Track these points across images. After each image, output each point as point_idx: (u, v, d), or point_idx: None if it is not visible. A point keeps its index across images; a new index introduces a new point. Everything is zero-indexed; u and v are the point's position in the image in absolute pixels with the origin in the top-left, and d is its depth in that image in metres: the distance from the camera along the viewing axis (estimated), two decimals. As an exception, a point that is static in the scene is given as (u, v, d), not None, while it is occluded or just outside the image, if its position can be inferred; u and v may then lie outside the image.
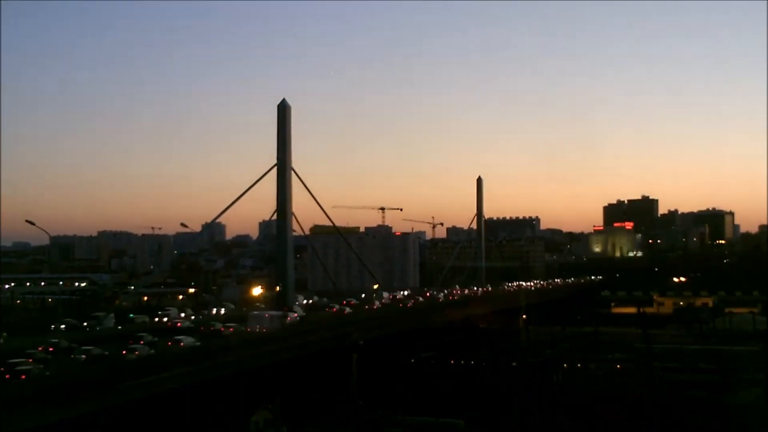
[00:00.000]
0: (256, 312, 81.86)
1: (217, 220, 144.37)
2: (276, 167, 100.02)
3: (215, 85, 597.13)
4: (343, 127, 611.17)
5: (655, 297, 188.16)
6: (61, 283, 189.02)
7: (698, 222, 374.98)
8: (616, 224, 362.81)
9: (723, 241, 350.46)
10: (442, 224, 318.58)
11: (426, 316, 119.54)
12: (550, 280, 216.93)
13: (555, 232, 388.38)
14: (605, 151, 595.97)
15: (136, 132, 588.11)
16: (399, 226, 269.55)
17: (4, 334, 65.82)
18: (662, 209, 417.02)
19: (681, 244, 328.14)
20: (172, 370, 55.65)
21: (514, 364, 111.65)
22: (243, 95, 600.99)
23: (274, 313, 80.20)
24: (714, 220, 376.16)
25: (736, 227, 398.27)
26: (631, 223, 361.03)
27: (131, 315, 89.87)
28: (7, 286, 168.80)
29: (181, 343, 60.53)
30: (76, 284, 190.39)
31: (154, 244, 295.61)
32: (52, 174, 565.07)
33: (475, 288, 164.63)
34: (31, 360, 48.50)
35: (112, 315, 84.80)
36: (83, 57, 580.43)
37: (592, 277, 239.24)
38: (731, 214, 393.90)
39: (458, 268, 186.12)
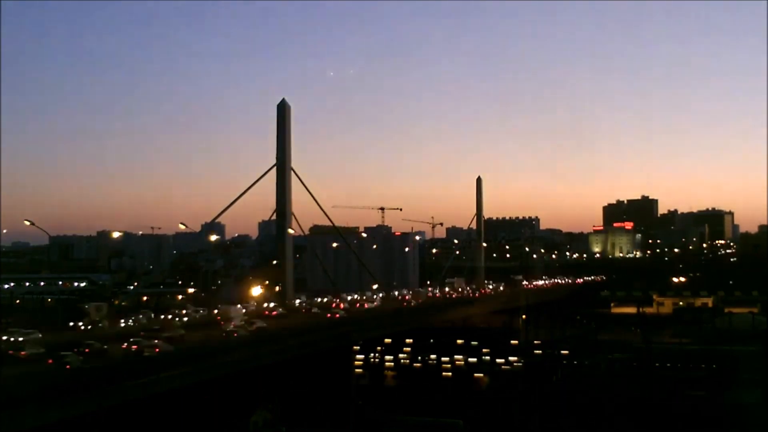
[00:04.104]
0: None
1: (217, 220, 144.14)
2: (276, 167, 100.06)
3: (215, 85, 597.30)
4: (343, 127, 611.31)
5: (654, 297, 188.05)
6: (60, 283, 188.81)
7: (698, 222, 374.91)
8: (615, 224, 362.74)
9: (723, 241, 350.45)
10: (441, 224, 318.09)
11: (425, 316, 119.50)
12: (549, 280, 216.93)
13: (555, 232, 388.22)
14: (605, 151, 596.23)
15: (136, 132, 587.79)
16: (399, 226, 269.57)
17: None
18: (662, 209, 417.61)
19: (681, 244, 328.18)
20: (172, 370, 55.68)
21: (514, 363, 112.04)
22: (243, 95, 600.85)
23: None
24: (713, 220, 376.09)
25: (735, 227, 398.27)
26: (631, 223, 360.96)
27: None
28: (6, 286, 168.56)
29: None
30: (76, 284, 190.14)
31: (154, 244, 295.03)
32: (52, 174, 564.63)
33: (474, 288, 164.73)
34: None
35: None
36: (83, 57, 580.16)
37: (592, 277, 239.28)
38: (731, 214, 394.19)
39: (458, 268, 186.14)
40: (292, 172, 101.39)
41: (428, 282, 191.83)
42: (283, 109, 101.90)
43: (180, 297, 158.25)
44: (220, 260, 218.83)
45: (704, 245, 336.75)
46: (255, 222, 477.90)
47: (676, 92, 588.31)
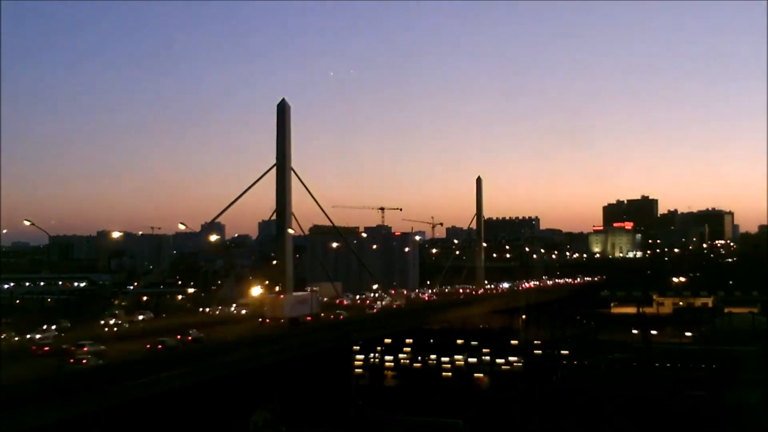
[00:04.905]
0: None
1: (217, 220, 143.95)
2: (276, 167, 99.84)
3: (215, 85, 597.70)
4: (343, 127, 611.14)
5: (654, 297, 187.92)
6: (60, 283, 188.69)
7: (698, 222, 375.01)
8: (615, 224, 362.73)
9: (723, 241, 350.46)
10: (441, 224, 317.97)
11: (425, 317, 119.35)
12: (549, 280, 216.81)
13: (555, 232, 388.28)
14: (605, 151, 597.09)
15: (136, 132, 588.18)
16: (399, 226, 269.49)
17: None
18: (662, 209, 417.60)
19: (681, 244, 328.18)
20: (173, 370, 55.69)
21: (514, 363, 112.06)
22: (243, 95, 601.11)
23: None
24: (713, 220, 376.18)
25: (735, 227, 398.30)
26: (631, 223, 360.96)
27: None
28: (6, 286, 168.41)
29: None
30: (76, 284, 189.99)
31: (154, 244, 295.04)
32: (52, 174, 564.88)
33: (474, 288, 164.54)
34: None
35: None
36: (84, 57, 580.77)
37: (592, 278, 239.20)
38: (731, 214, 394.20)
39: (458, 268, 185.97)
40: (292, 172, 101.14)
41: (428, 282, 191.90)
42: (283, 109, 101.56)
43: (180, 297, 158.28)
44: (220, 260, 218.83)
45: (704, 245, 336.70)
46: (255, 222, 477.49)
47: (676, 92, 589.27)
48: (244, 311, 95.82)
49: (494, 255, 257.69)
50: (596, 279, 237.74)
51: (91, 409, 47.46)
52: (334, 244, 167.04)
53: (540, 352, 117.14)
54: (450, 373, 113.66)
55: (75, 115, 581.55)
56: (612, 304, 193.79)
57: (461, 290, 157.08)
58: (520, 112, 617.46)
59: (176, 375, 55.64)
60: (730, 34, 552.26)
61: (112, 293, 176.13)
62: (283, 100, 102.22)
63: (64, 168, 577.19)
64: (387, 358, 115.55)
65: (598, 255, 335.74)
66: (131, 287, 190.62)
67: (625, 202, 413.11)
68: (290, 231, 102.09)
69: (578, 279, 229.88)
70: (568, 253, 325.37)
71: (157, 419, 55.94)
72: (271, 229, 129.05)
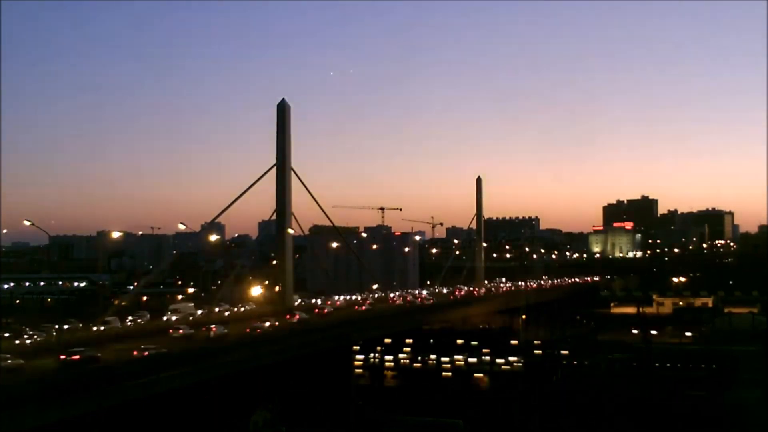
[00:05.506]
0: None
1: (217, 220, 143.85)
2: (276, 167, 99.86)
3: (215, 85, 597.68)
4: (343, 127, 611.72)
5: (654, 297, 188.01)
6: (60, 283, 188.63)
7: (698, 222, 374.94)
8: (615, 224, 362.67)
9: (723, 241, 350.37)
10: (441, 224, 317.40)
11: (425, 317, 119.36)
12: (549, 280, 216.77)
13: (555, 232, 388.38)
14: (605, 151, 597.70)
15: (136, 132, 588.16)
16: (399, 226, 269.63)
17: None
18: (662, 209, 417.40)
19: (681, 244, 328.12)
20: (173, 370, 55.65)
21: (514, 363, 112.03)
22: (243, 95, 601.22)
23: None
24: (713, 220, 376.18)
25: (735, 227, 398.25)
26: (631, 223, 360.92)
27: None
28: (6, 286, 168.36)
29: None
30: (76, 284, 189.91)
31: (154, 244, 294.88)
32: (52, 174, 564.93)
33: (474, 288, 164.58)
34: None
35: None
36: (83, 57, 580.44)
37: (592, 278, 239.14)
38: (731, 214, 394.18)
39: (457, 268, 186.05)
40: (292, 172, 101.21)
41: (428, 282, 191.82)
42: (283, 109, 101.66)
43: (180, 297, 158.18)
44: (220, 260, 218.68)
45: (704, 245, 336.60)
46: (255, 222, 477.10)
47: (676, 92, 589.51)
48: None
49: (494, 255, 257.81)
50: (596, 279, 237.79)
51: (91, 409, 47.44)
52: (334, 244, 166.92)
53: (540, 352, 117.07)
54: (450, 373, 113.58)
55: (75, 114, 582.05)
56: (612, 304, 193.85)
57: (460, 290, 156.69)
58: (520, 112, 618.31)
59: (176, 375, 55.59)
60: (730, 34, 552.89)
61: (112, 293, 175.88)
62: (283, 100, 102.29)
63: (64, 168, 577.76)
64: (387, 358, 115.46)
65: (598, 255, 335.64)
66: (131, 287, 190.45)
67: (625, 202, 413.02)
68: (290, 231, 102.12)
69: (578, 279, 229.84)
70: (568, 253, 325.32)
71: (157, 419, 55.94)
72: (271, 229, 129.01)
